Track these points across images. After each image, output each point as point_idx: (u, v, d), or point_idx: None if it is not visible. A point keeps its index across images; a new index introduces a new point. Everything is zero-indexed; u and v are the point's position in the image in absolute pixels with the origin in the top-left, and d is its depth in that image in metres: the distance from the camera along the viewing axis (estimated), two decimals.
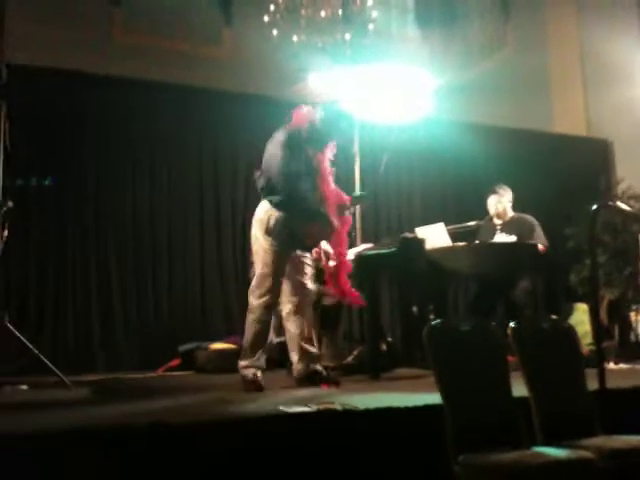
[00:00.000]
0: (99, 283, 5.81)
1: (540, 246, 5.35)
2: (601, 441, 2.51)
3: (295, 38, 6.72)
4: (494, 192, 5.62)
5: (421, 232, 5.03)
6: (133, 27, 6.70)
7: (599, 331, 4.00)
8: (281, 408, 2.64)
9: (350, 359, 4.96)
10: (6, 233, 3.87)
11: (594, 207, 3.64)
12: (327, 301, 4.69)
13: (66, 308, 5.66)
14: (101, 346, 5.72)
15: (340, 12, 6.76)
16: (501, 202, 5.59)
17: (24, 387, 3.93)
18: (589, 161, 7.90)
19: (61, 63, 5.72)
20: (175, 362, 5.51)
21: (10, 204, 3.87)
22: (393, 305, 6.44)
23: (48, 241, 5.66)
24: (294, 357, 3.97)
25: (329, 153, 4.02)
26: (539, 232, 5.47)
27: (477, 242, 5.40)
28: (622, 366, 5.21)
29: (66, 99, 5.68)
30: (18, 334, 3.94)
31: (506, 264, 4.95)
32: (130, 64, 6.19)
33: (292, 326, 3.94)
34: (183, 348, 5.53)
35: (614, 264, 6.69)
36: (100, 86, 5.87)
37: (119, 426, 2.36)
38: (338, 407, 2.66)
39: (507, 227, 5.51)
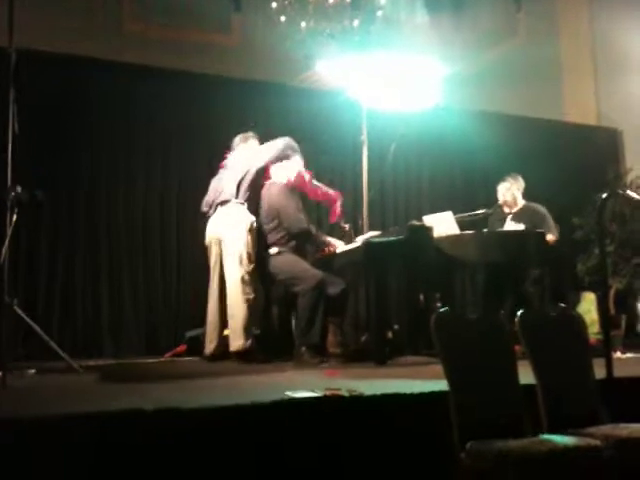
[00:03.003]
0: (108, 269, 5.83)
1: (551, 237, 5.34)
2: (608, 430, 2.51)
3: (303, 25, 6.68)
4: (504, 180, 5.61)
5: (429, 220, 5.02)
6: (142, 15, 6.68)
7: (607, 320, 3.99)
8: (287, 394, 2.64)
9: (356, 346, 4.98)
10: (15, 218, 3.88)
11: (603, 195, 3.62)
12: (332, 289, 4.70)
13: (75, 294, 5.68)
14: (109, 332, 5.74)
15: None
16: (510, 190, 5.58)
17: (32, 372, 3.95)
18: (598, 150, 7.86)
19: (70, 50, 5.71)
20: (182, 348, 5.53)
21: (19, 189, 3.87)
22: (400, 293, 6.44)
23: (58, 227, 5.68)
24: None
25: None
26: (550, 222, 5.46)
27: (485, 230, 5.38)
28: (629, 355, 5.21)
29: (74, 86, 5.68)
30: (27, 319, 3.96)
31: (514, 253, 4.94)
32: (139, 52, 6.18)
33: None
34: (190, 334, 5.55)
35: (621, 254, 6.67)
36: (109, 73, 5.86)
37: (126, 411, 2.37)
38: (344, 393, 2.67)
39: (517, 216, 5.50)
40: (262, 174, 4.96)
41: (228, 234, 4.75)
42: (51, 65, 5.53)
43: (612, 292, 6.48)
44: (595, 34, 8.30)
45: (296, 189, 4.96)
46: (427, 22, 7.90)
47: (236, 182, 4.85)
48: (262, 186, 4.97)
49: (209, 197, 5.01)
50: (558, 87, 8.28)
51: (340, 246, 4.97)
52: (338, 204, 5.15)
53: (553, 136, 7.57)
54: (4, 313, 3.55)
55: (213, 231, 4.88)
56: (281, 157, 4.99)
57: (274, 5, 6.75)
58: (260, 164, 4.93)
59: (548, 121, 7.85)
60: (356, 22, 6.38)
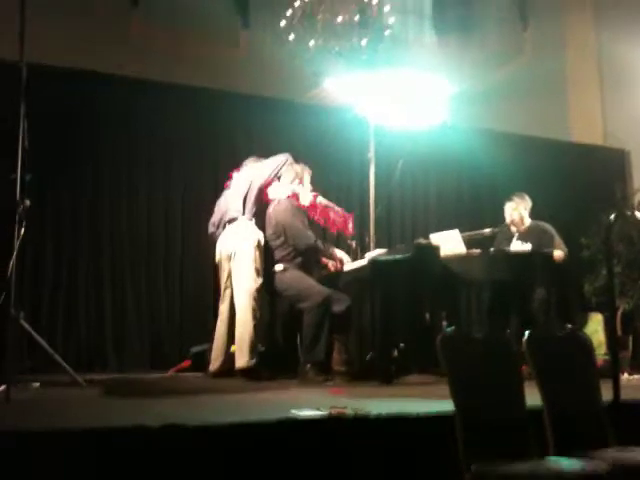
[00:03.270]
0: (112, 283, 5.83)
1: (560, 253, 5.33)
2: (615, 453, 2.48)
3: (311, 43, 6.70)
4: (510, 199, 5.62)
5: (435, 238, 5.02)
6: (148, 28, 6.70)
7: (615, 342, 3.97)
8: (293, 412, 2.63)
9: (361, 365, 4.96)
10: (22, 232, 3.88)
11: (611, 217, 3.61)
12: (338, 306, 4.69)
13: (78, 307, 5.68)
14: (113, 346, 5.73)
15: (357, 17, 6.74)
16: (517, 210, 5.59)
17: (36, 385, 3.94)
18: (606, 170, 7.86)
19: (77, 63, 5.73)
20: (186, 363, 5.51)
21: (27, 203, 3.89)
22: (405, 310, 6.41)
23: (62, 240, 5.69)
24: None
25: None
26: (557, 240, 5.46)
27: (492, 249, 5.37)
28: (636, 377, 5.17)
29: (81, 99, 5.70)
30: (33, 332, 3.95)
31: (520, 273, 4.93)
32: (144, 65, 6.19)
33: None
34: (195, 349, 5.54)
35: (628, 274, 6.64)
36: (113, 87, 5.89)
37: (130, 427, 2.35)
38: (350, 413, 2.65)
39: (524, 235, 5.50)
40: (263, 190, 4.99)
41: (237, 251, 4.77)
42: (55, 78, 5.54)
43: (620, 313, 6.44)
44: (601, 52, 8.33)
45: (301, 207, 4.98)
46: (435, 41, 7.94)
47: (241, 199, 4.89)
48: (265, 202, 5.00)
49: (215, 217, 5.03)
50: (564, 105, 8.29)
51: (347, 261, 4.97)
52: (349, 226, 5.15)
53: (560, 155, 7.58)
54: (10, 326, 3.54)
55: (223, 249, 4.89)
56: (280, 174, 5.02)
57: (283, 22, 6.77)
58: (260, 180, 4.96)
59: (555, 140, 7.86)
60: (364, 41, 6.39)
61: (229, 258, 4.83)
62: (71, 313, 5.65)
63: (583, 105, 8.35)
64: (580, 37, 8.51)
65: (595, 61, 8.44)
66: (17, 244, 3.75)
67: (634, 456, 2.45)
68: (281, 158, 5.09)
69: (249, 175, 5.02)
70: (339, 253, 5.00)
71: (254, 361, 4.58)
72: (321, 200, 5.18)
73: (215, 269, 5.07)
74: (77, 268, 5.72)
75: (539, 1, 8.39)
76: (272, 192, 5.01)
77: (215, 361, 4.77)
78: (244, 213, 4.86)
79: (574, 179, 7.43)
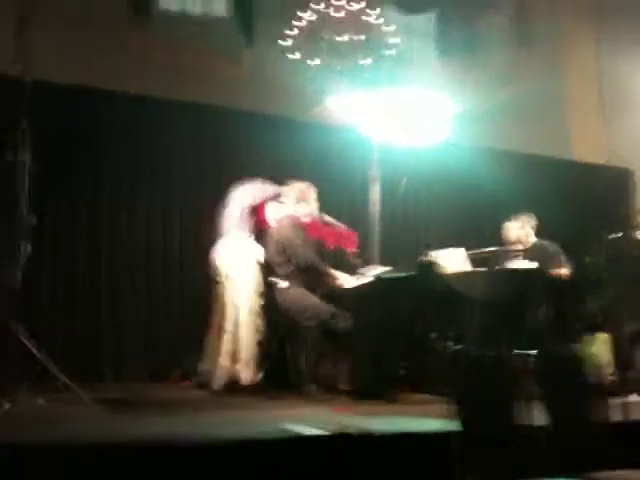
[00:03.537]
0: (110, 293, 5.82)
1: (565, 271, 5.32)
2: (618, 476, 2.45)
3: (315, 61, 6.73)
4: (516, 218, 5.63)
5: (440, 256, 4.99)
6: (151, 43, 6.72)
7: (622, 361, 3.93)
8: (295, 430, 2.59)
9: (364, 382, 4.91)
10: (29, 249, 3.89)
11: (615, 236, 3.60)
12: (341, 324, 4.67)
13: (77, 318, 5.65)
14: (111, 357, 5.71)
15: (360, 37, 6.78)
16: (522, 228, 5.59)
17: (36, 399, 3.90)
18: (608, 189, 7.88)
19: (77, 78, 5.75)
20: (181, 374, 5.50)
21: (34, 221, 3.89)
22: (407, 328, 6.38)
23: (60, 252, 5.69)
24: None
25: None
26: (562, 258, 5.46)
27: (496, 267, 5.34)
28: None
29: (82, 115, 5.71)
30: (30, 345, 3.92)
31: (523, 291, 4.91)
32: (147, 81, 6.21)
33: None
34: (191, 362, 5.49)
35: (634, 294, 6.59)
36: (117, 102, 5.91)
37: (130, 442, 2.32)
38: (352, 431, 2.62)
39: (529, 254, 5.49)
40: (259, 208, 5.01)
41: (233, 266, 4.77)
42: (56, 94, 5.53)
43: (626, 332, 6.39)
44: (603, 74, 8.39)
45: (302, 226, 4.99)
46: (438, 62, 7.99)
47: (235, 215, 4.91)
48: (262, 221, 5.01)
49: (214, 233, 5.03)
50: (567, 126, 8.34)
51: (346, 279, 4.94)
52: (353, 244, 5.15)
53: (563, 175, 7.61)
54: (10, 340, 3.52)
55: (217, 264, 4.88)
56: (280, 195, 5.04)
57: (286, 41, 6.80)
58: (254, 198, 5.00)
59: (558, 160, 7.89)
60: (368, 60, 6.43)
61: (224, 273, 4.84)
62: (70, 323, 5.62)
63: (585, 124, 8.39)
64: (581, 59, 8.58)
65: (597, 83, 8.50)
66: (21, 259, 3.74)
67: (629, 477, 2.42)
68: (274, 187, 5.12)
69: (244, 193, 5.04)
70: (339, 273, 4.97)
71: (258, 377, 4.56)
72: (326, 219, 5.19)
73: (210, 283, 5.04)
74: (75, 277, 5.71)
75: (541, 24, 8.46)
76: (272, 212, 5.03)
77: (218, 377, 4.71)
78: (239, 228, 4.87)
79: (576, 197, 7.44)
